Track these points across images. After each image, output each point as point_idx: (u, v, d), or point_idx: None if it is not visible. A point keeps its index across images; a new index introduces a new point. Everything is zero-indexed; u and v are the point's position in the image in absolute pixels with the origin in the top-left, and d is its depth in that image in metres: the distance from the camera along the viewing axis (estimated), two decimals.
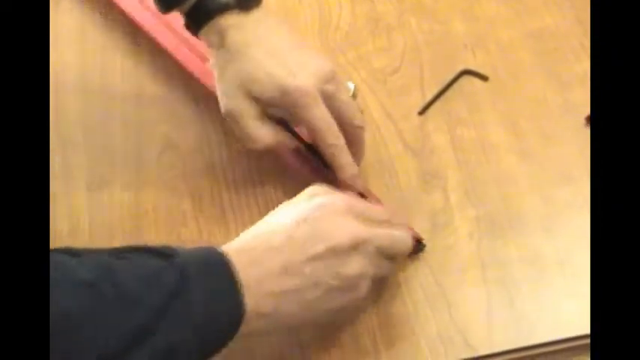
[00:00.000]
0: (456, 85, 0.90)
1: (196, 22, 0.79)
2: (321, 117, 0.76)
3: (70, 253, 0.62)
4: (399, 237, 0.72)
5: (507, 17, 0.95)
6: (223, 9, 0.77)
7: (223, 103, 0.78)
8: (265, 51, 0.77)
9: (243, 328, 0.65)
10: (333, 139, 0.76)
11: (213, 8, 0.77)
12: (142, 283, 0.61)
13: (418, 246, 0.77)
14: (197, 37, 0.80)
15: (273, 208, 0.74)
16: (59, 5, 1.01)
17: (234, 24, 0.77)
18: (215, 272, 0.65)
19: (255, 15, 0.78)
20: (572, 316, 0.72)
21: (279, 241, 0.68)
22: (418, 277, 0.76)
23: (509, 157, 0.84)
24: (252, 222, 0.74)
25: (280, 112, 0.79)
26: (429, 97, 0.89)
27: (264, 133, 0.78)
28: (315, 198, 0.71)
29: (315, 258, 0.67)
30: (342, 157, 0.77)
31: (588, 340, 0.71)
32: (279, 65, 0.76)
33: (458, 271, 0.77)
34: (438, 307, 0.74)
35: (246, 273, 0.65)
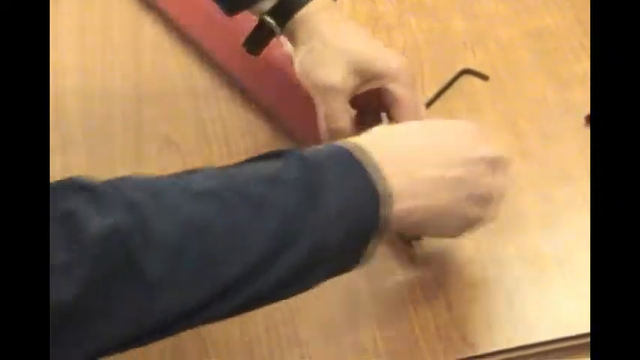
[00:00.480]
0: (456, 85, 0.91)
1: (283, 14, 0.80)
2: (412, 95, 0.78)
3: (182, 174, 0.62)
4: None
5: (507, 16, 0.96)
6: None
7: (321, 77, 0.78)
8: (362, 31, 0.81)
9: (383, 212, 0.63)
10: (416, 116, 0.78)
11: None
12: (271, 185, 0.61)
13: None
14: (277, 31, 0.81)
15: None
16: (59, 6, 1.01)
17: (324, 6, 0.80)
18: (340, 157, 0.64)
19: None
20: (572, 315, 0.72)
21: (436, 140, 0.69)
22: (418, 276, 0.77)
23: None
24: None
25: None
26: (430, 96, 0.89)
27: (347, 117, 0.79)
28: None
29: (475, 162, 0.68)
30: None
31: (588, 339, 0.71)
32: (379, 44, 0.80)
33: (457, 270, 0.77)
34: (438, 306, 0.74)
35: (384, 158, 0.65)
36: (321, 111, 0.79)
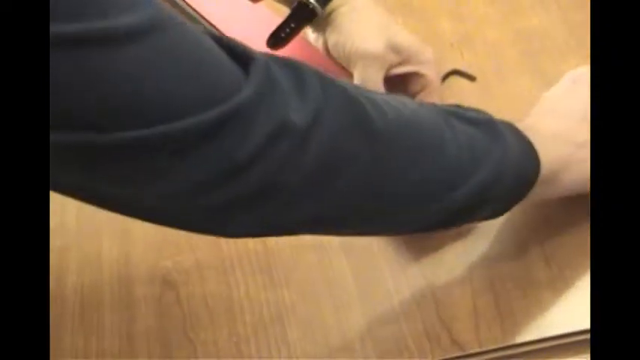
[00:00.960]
0: (444, 85, 0.91)
1: None
2: (438, 74, 0.85)
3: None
4: None
5: (494, 17, 0.96)
6: None
7: (365, 45, 0.82)
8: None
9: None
10: (438, 97, 0.84)
11: None
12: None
13: None
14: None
15: None
16: None
17: None
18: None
19: None
20: (559, 314, 0.73)
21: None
22: (406, 276, 0.77)
23: None
24: None
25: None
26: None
27: (383, 87, 0.82)
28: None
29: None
30: None
31: (575, 338, 0.72)
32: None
33: (445, 270, 0.77)
34: (426, 306, 0.75)
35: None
36: (357, 79, 0.82)
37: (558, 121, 0.74)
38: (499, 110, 0.87)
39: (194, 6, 0.97)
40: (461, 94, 0.90)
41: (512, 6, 0.97)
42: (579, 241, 0.77)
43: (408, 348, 0.72)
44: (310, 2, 0.82)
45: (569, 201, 0.78)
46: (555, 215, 0.79)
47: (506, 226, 0.79)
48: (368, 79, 0.81)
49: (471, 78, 0.91)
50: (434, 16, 0.97)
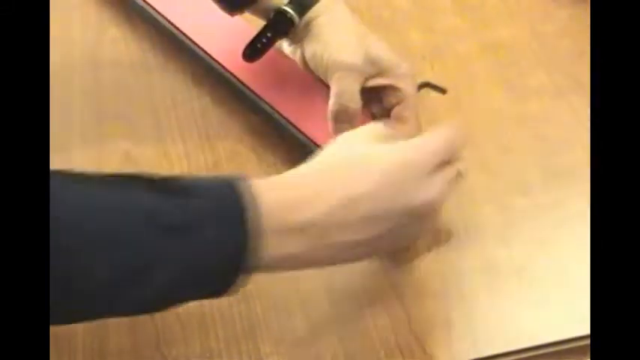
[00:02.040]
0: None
1: (304, 5, 0.83)
2: (414, 87, 0.83)
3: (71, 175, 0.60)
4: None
5: (463, 30, 0.97)
6: None
7: (342, 56, 0.81)
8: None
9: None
10: (414, 110, 0.82)
11: None
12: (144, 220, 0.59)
13: None
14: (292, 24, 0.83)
15: None
16: None
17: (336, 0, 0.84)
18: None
19: None
20: (531, 325, 0.73)
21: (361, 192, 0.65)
22: (378, 290, 0.77)
23: None
24: None
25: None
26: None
27: (359, 99, 0.82)
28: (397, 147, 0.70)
29: (400, 215, 0.67)
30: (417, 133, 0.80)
31: (547, 350, 0.72)
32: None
33: (417, 283, 0.77)
34: (398, 319, 0.75)
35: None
36: (334, 90, 0.81)
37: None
38: (470, 122, 0.88)
39: (171, 20, 0.98)
40: (432, 107, 0.90)
41: (482, 19, 0.97)
42: (550, 254, 0.77)
43: None
44: (288, 11, 0.82)
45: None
46: (523, 230, 0.80)
47: (477, 238, 0.79)
48: (344, 90, 0.81)
49: (442, 91, 0.91)
50: (404, 29, 0.98)
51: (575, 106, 0.88)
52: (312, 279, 0.78)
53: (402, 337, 0.74)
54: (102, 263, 0.57)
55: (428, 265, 0.78)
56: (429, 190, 0.68)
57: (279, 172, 0.84)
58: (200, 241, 0.60)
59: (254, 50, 0.86)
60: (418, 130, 0.82)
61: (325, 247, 0.65)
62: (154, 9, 0.99)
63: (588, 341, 0.71)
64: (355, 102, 0.81)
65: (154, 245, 0.59)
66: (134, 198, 0.59)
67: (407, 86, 0.82)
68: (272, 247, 0.62)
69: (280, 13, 0.83)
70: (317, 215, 0.64)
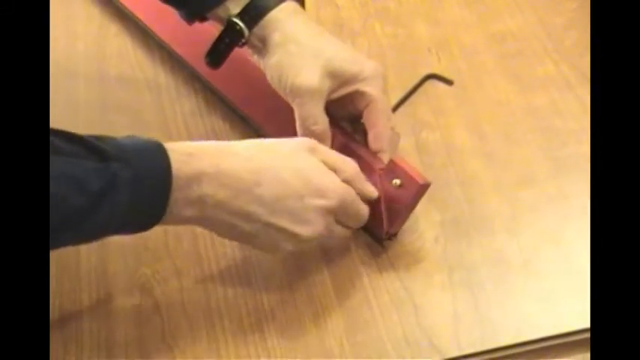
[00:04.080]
0: (420, 89, 0.91)
1: (253, 16, 0.81)
2: (386, 98, 0.80)
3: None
4: (363, 212, 0.76)
5: (470, 21, 0.96)
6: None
7: (298, 80, 0.79)
8: (332, 36, 0.82)
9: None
10: (388, 120, 0.80)
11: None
12: (67, 183, 0.64)
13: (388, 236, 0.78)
14: (244, 36, 0.81)
15: None
16: None
17: (294, 11, 0.81)
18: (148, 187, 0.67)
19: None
20: (537, 317, 0.73)
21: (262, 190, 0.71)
22: (385, 282, 0.77)
23: (473, 159, 0.84)
24: None
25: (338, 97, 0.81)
26: (395, 101, 0.89)
27: (325, 120, 0.80)
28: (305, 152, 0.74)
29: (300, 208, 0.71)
30: (386, 137, 0.80)
31: (554, 342, 0.72)
32: (351, 49, 0.83)
33: (424, 275, 0.77)
34: (405, 311, 0.75)
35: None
36: (297, 115, 0.79)
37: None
38: (476, 112, 0.88)
39: (147, 23, 0.98)
40: (438, 98, 0.90)
41: (488, 10, 0.97)
42: (556, 247, 0.77)
43: (387, 353, 0.72)
44: (237, 23, 0.81)
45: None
46: (530, 222, 0.79)
47: (484, 229, 0.79)
48: (307, 115, 0.79)
49: (448, 82, 0.91)
50: (411, 21, 0.97)
51: (582, 97, 0.88)
52: (319, 271, 0.78)
53: (409, 329, 0.73)
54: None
55: (435, 257, 0.78)
56: (304, 221, 0.72)
57: None
58: (117, 203, 0.66)
59: (213, 58, 0.84)
60: (388, 131, 0.79)
61: (215, 220, 0.71)
62: (135, 16, 1.00)
63: None
64: (320, 123, 0.79)
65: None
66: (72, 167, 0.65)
67: (372, 89, 0.79)
68: (173, 213, 0.69)
69: (230, 24, 0.81)
70: (213, 192, 0.70)
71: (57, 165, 0.63)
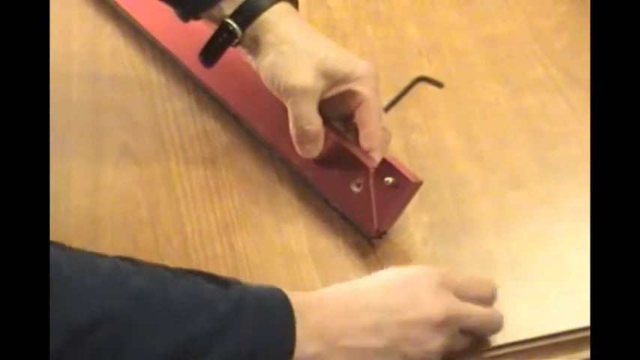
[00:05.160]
0: (411, 92, 0.92)
1: (247, 18, 0.81)
2: (377, 98, 0.80)
3: (130, 261, 0.65)
4: (493, 318, 0.72)
5: (461, 24, 0.97)
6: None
7: (292, 80, 0.78)
8: (325, 37, 0.82)
9: None
10: (380, 119, 0.80)
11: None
12: (195, 303, 0.63)
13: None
14: (238, 35, 0.81)
15: (230, 216, 0.73)
16: None
17: (288, 11, 0.81)
18: (272, 310, 0.65)
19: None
20: (526, 318, 0.73)
21: (372, 299, 0.68)
22: None
23: (462, 161, 0.85)
24: (209, 229, 0.74)
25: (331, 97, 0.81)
26: (385, 103, 0.89)
27: (318, 120, 0.80)
28: (408, 268, 0.71)
29: (408, 324, 0.67)
30: (377, 136, 0.80)
31: (542, 342, 0.72)
32: (343, 49, 0.82)
33: None
34: None
35: (314, 318, 0.66)
36: (291, 115, 0.80)
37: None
38: (466, 115, 0.88)
39: (140, 21, 0.98)
40: (428, 100, 0.90)
41: (479, 13, 0.97)
42: (545, 248, 0.78)
43: None
44: (230, 24, 0.81)
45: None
46: (519, 224, 0.80)
47: (473, 232, 0.80)
48: (300, 115, 0.79)
49: (439, 84, 0.91)
50: (402, 24, 0.98)
51: (571, 100, 0.89)
52: (307, 270, 0.78)
53: None
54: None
55: (423, 258, 0.78)
56: (426, 308, 0.68)
57: (276, 167, 0.86)
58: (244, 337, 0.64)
59: (207, 57, 0.84)
60: (379, 131, 0.80)
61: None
62: (131, 16, 1.00)
63: (583, 334, 0.72)
64: (314, 123, 0.79)
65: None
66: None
67: (364, 88, 0.79)
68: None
69: (224, 24, 0.81)
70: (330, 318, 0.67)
71: (181, 285, 0.63)
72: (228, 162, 0.87)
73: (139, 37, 0.99)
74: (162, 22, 0.95)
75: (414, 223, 0.80)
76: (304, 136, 0.79)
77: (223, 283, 0.66)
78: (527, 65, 0.92)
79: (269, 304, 0.66)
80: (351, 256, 0.79)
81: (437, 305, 0.67)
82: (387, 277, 0.70)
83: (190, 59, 0.91)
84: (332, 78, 0.79)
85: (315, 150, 0.80)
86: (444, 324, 0.68)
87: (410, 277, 0.70)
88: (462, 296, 0.70)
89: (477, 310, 0.70)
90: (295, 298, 0.67)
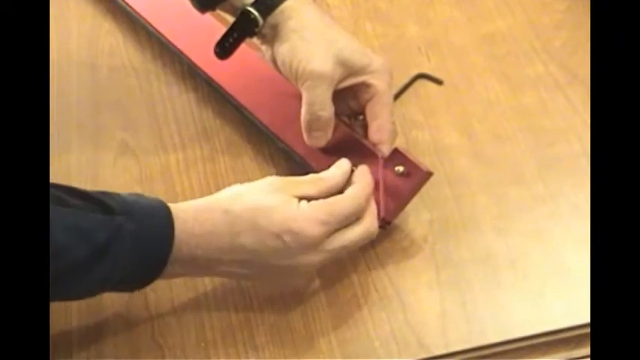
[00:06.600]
0: (411, 89, 0.92)
1: (270, 6, 0.81)
2: (390, 93, 0.82)
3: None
4: (366, 234, 0.75)
5: (460, 21, 0.97)
6: None
7: (311, 65, 0.79)
8: (343, 29, 0.83)
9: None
10: (390, 114, 0.81)
11: None
12: (73, 234, 0.66)
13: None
14: (258, 26, 0.81)
15: None
16: None
17: (307, 1, 0.82)
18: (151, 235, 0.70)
19: None
20: (525, 315, 0.73)
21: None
22: (373, 280, 0.77)
23: (462, 158, 0.85)
24: None
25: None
26: None
27: (331, 106, 0.80)
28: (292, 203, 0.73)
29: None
30: (388, 129, 0.81)
31: (541, 340, 0.72)
32: (359, 42, 0.83)
33: (412, 273, 0.77)
34: (393, 309, 0.75)
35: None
36: (305, 99, 0.80)
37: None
38: (465, 112, 0.88)
39: (146, 17, 0.98)
40: (428, 98, 0.90)
41: (478, 10, 0.97)
42: (544, 245, 0.78)
43: (375, 351, 0.73)
44: (252, 12, 0.81)
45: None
46: (518, 221, 0.80)
47: (472, 228, 0.80)
48: (315, 100, 0.80)
49: (438, 81, 0.91)
50: (401, 21, 0.98)
51: (570, 97, 0.89)
52: None
53: (397, 327, 0.74)
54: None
55: (423, 255, 0.78)
56: (309, 259, 0.73)
57: (275, 165, 0.86)
58: (120, 255, 0.69)
59: (223, 48, 0.84)
60: (390, 124, 0.81)
61: (210, 273, 0.76)
62: (134, 9, 1.00)
63: (581, 331, 0.72)
64: (327, 110, 0.80)
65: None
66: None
67: (379, 82, 0.81)
68: (169, 271, 0.72)
69: (245, 13, 0.81)
70: (208, 252, 0.72)
71: (63, 216, 0.66)
72: (228, 159, 0.86)
73: (137, 34, 1.00)
74: (167, 17, 0.95)
75: (413, 219, 0.80)
76: (315, 123, 0.80)
77: (109, 211, 0.68)
78: (526, 62, 0.92)
79: (151, 235, 0.70)
80: (350, 254, 0.78)
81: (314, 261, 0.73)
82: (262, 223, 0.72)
83: (195, 52, 0.91)
84: (349, 68, 0.80)
85: (323, 138, 0.81)
86: (320, 263, 0.74)
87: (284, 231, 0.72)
88: (340, 223, 0.73)
89: (348, 237, 0.74)
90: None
